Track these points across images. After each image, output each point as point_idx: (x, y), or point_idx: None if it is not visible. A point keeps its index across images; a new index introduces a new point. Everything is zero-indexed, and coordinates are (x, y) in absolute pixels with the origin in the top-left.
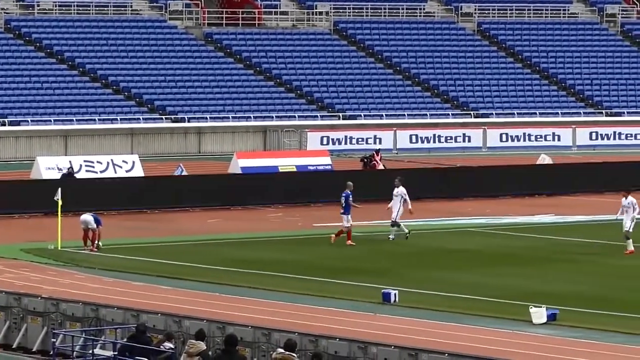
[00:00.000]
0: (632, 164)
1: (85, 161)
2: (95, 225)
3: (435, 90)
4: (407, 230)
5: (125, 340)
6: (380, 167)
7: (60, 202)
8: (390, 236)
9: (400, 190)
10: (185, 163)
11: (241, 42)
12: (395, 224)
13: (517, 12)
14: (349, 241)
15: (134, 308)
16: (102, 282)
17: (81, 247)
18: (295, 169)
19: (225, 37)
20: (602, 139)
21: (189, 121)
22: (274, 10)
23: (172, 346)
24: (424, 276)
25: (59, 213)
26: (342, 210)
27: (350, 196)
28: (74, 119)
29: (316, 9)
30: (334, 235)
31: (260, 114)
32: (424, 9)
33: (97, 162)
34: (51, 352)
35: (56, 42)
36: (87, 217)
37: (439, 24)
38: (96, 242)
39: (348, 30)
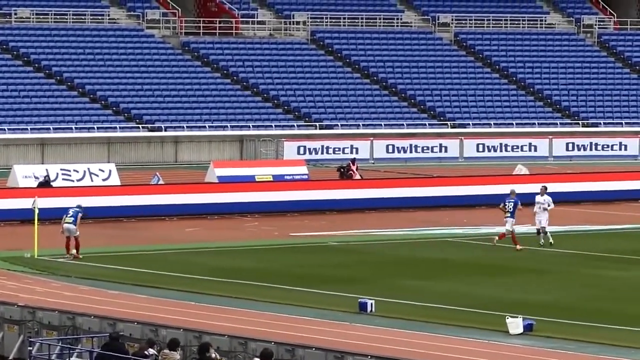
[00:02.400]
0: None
1: (62, 170)
2: (77, 233)
3: (412, 100)
4: (551, 239)
5: (99, 348)
6: (357, 177)
7: (37, 211)
8: (541, 241)
9: (545, 198)
10: (161, 172)
11: (218, 52)
12: (541, 231)
13: (494, 22)
14: (518, 246)
15: (111, 316)
16: (79, 290)
17: (58, 256)
18: (271, 179)
19: (202, 46)
20: (579, 149)
21: (165, 130)
22: (251, 19)
23: (155, 352)
24: (401, 286)
25: (36, 221)
26: (507, 215)
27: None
28: (51, 127)
29: (293, 18)
30: (497, 238)
31: (237, 123)
32: (401, 19)
33: (74, 170)
34: None
35: (33, 51)
36: (70, 225)
37: (416, 34)
38: (75, 251)
39: (325, 40)
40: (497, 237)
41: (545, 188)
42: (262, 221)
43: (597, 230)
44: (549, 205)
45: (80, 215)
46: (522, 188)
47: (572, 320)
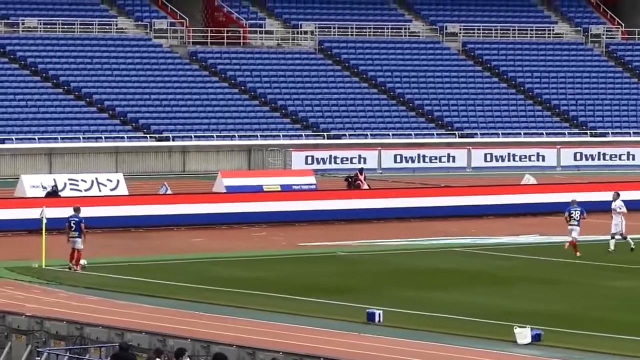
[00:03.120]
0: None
1: (69, 179)
2: (81, 247)
3: (420, 110)
4: (632, 243)
5: (107, 358)
6: (365, 186)
7: (44, 220)
8: (611, 247)
9: (617, 203)
10: (169, 182)
11: (226, 61)
12: (616, 236)
13: (502, 32)
14: (578, 253)
15: (119, 327)
16: (87, 300)
17: (66, 266)
18: (279, 188)
19: (210, 56)
20: (587, 159)
21: (173, 140)
22: (259, 29)
23: None
24: (409, 296)
25: (44, 231)
26: (574, 224)
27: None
28: (59, 137)
29: (301, 28)
30: (567, 244)
31: (245, 133)
32: (409, 28)
33: (82, 180)
34: None
35: (41, 61)
36: (77, 240)
37: (424, 43)
38: (80, 262)
39: (333, 49)
40: (566, 245)
41: (618, 194)
42: (270, 231)
43: (605, 240)
44: (620, 209)
45: (82, 224)
46: (529, 198)
47: (580, 330)
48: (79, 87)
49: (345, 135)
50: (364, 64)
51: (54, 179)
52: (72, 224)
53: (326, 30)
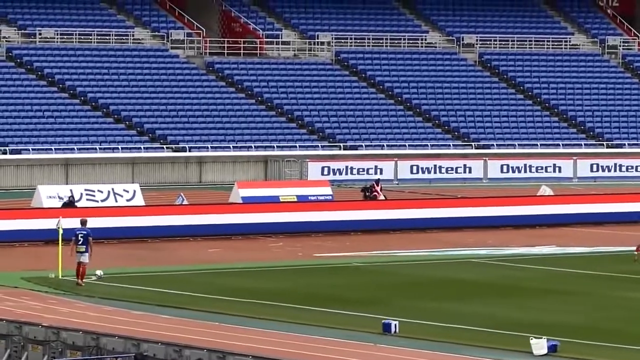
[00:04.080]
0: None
1: (86, 190)
2: (87, 261)
3: (437, 121)
4: None
5: None
6: (381, 197)
7: (61, 231)
8: None
9: None
10: (186, 192)
11: (243, 72)
12: None
13: (518, 43)
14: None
15: (135, 337)
16: (103, 310)
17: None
18: (296, 199)
19: (226, 67)
20: (603, 170)
21: (190, 150)
22: (275, 40)
23: None
24: (425, 307)
25: (60, 242)
26: None
27: None
28: (75, 147)
29: (318, 39)
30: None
31: (262, 143)
32: (425, 39)
33: (98, 191)
34: None
35: (57, 71)
36: (84, 256)
37: (441, 54)
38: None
39: (349, 60)
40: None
41: None
42: (286, 242)
43: (621, 252)
44: None
45: (90, 238)
46: (546, 209)
47: (596, 341)
48: (96, 98)
49: (361, 146)
50: (380, 75)
51: (71, 190)
52: (79, 237)
53: (343, 41)
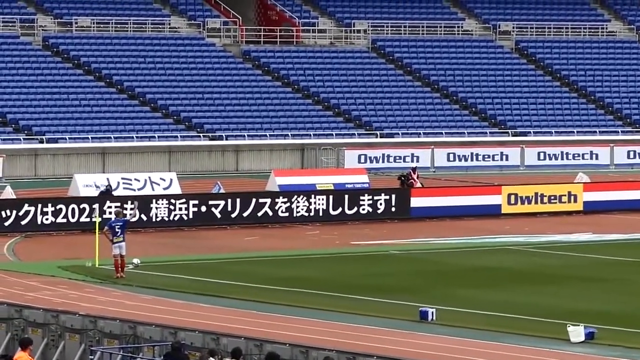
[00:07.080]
0: None
1: (122, 178)
2: (125, 252)
3: (473, 109)
4: None
5: (160, 357)
6: (418, 185)
7: (98, 220)
8: None
9: None
10: (222, 181)
11: (279, 60)
12: None
13: (555, 30)
14: None
15: (172, 325)
16: (140, 299)
17: None
18: (332, 187)
19: (263, 55)
20: None
21: (226, 139)
22: (312, 28)
23: None
24: (462, 294)
25: (97, 230)
26: None
27: None
28: (112, 136)
29: (354, 26)
30: None
31: (298, 131)
32: (462, 27)
33: (135, 179)
34: None
35: (94, 60)
36: (122, 244)
37: (477, 42)
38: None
39: (386, 48)
40: None
41: None
42: (323, 230)
43: None
44: None
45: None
46: (583, 196)
47: (633, 328)
48: (132, 87)
49: (398, 134)
50: (417, 63)
51: (107, 178)
52: (116, 229)
53: (379, 28)
